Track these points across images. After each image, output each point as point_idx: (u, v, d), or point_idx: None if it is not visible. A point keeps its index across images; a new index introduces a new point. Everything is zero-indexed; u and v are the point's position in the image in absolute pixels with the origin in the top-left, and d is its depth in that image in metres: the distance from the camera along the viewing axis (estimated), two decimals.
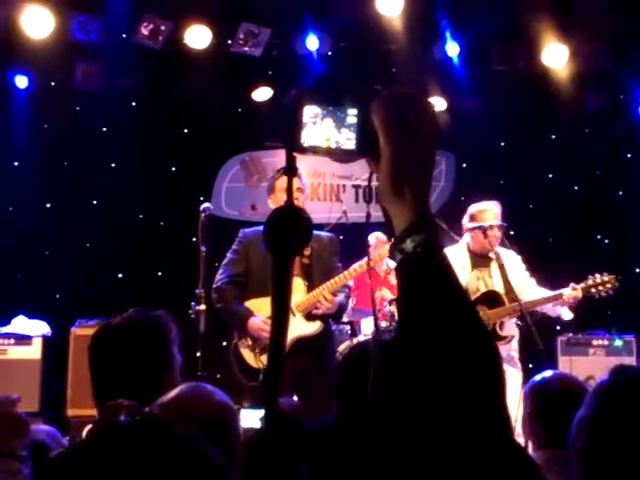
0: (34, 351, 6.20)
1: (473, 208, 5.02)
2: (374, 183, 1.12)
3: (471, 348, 1.00)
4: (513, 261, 5.01)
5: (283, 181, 4.54)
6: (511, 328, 4.88)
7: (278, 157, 7.81)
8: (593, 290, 4.73)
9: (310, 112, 1.11)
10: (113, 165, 7.82)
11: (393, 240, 1.07)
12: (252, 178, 8.31)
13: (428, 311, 1.01)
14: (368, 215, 1.20)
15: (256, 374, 4.48)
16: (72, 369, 5.94)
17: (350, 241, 6.04)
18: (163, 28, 7.08)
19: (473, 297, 4.81)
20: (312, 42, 7.35)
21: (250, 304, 4.57)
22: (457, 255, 4.91)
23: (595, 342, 6.37)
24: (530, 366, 5.06)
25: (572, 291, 4.71)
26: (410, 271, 1.05)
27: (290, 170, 1.10)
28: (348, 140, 1.12)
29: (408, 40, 7.21)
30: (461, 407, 0.97)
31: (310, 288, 4.51)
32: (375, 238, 6.39)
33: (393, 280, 6.40)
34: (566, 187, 8.03)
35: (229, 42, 7.34)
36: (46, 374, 6.21)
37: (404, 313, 1.05)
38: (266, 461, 0.99)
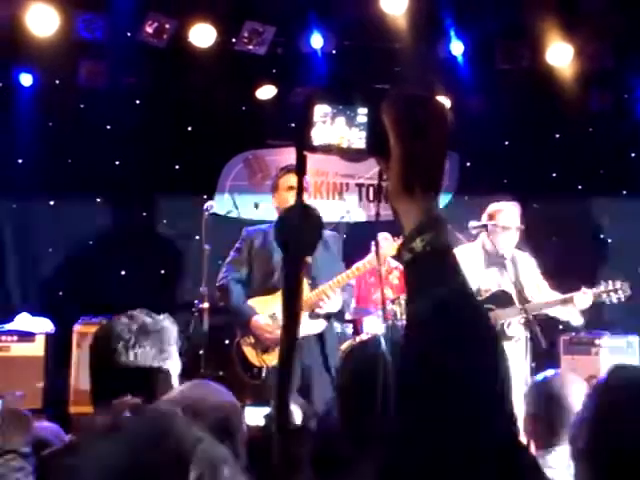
0: (37, 348, 6.22)
1: (492, 207, 5.02)
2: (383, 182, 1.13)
3: (478, 348, 1.00)
4: (528, 263, 5.02)
5: (286, 179, 4.54)
6: (519, 328, 4.88)
7: (282, 155, 7.81)
8: (604, 296, 4.73)
9: (320, 111, 1.12)
10: (117, 163, 7.83)
11: (402, 239, 1.08)
12: (256, 176, 8.31)
13: (436, 311, 1.02)
14: (377, 214, 1.20)
15: (258, 372, 4.49)
16: (75, 366, 5.96)
17: (353, 239, 6.05)
18: (168, 26, 7.09)
19: (484, 296, 4.82)
20: (316, 40, 7.34)
21: (253, 302, 4.58)
22: (471, 253, 4.92)
23: (598, 342, 6.36)
24: (533, 365, 5.06)
25: (583, 295, 4.71)
26: (419, 271, 1.05)
27: (300, 169, 1.10)
28: (358, 139, 1.12)
29: (412, 39, 7.20)
30: (467, 406, 0.97)
31: (313, 287, 4.52)
32: (384, 238, 6.39)
33: (395, 279, 6.40)
34: (570, 186, 8.02)
35: (233, 40, 7.34)
36: (49, 371, 6.22)
37: (412, 313, 1.06)
38: (273, 458, 0.99)
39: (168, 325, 2.23)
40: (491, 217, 4.96)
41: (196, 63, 7.31)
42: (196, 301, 4.99)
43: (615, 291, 4.72)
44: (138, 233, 7.67)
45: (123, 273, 7.79)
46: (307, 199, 4.61)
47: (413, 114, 1.08)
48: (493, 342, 1.02)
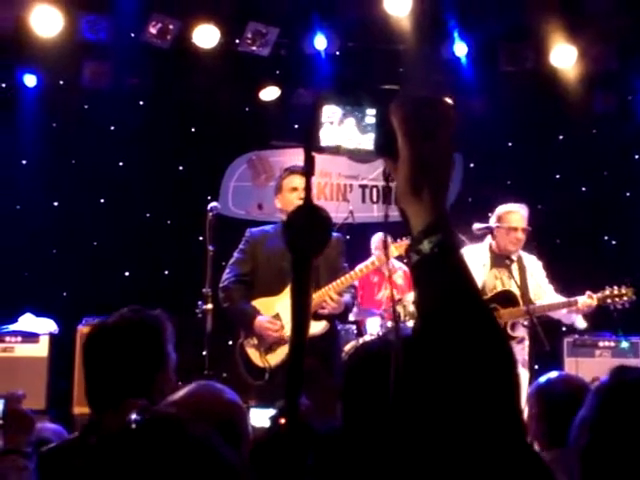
0: (41, 349, 6.22)
1: (500, 209, 5.02)
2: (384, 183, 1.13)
3: (486, 349, 1.00)
4: (534, 266, 5.02)
5: (290, 180, 4.55)
6: (522, 329, 4.87)
7: (285, 156, 7.81)
8: (609, 301, 4.72)
9: (329, 112, 1.12)
10: (121, 164, 7.84)
11: (410, 241, 1.08)
12: (259, 177, 8.32)
13: (444, 312, 1.02)
14: (387, 215, 1.20)
15: (262, 373, 4.49)
16: (79, 367, 5.96)
17: (356, 241, 6.04)
18: (171, 27, 7.10)
19: (489, 295, 4.82)
20: (320, 42, 7.35)
21: (256, 303, 4.57)
22: (479, 253, 4.93)
23: (601, 344, 6.35)
24: (536, 367, 5.05)
25: (587, 299, 4.70)
26: (427, 272, 1.05)
27: (308, 169, 1.10)
28: (367, 140, 1.13)
29: (416, 40, 7.21)
30: (475, 407, 0.97)
31: (316, 288, 4.51)
32: (379, 239, 6.40)
33: (399, 279, 6.40)
34: (573, 188, 8.02)
35: (237, 41, 7.35)
36: (53, 372, 6.22)
37: (421, 314, 1.06)
38: (279, 459, 0.99)
39: (162, 321, 2.21)
40: (500, 219, 4.96)
41: (200, 64, 7.33)
42: (200, 302, 4.98)
43: (620, 297, 4.71)
44: (141, 234, 7.68)
45: (127, 274, 7.80)
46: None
47: (422, 115, 1.08)
48: (500, 343, 1.02)
